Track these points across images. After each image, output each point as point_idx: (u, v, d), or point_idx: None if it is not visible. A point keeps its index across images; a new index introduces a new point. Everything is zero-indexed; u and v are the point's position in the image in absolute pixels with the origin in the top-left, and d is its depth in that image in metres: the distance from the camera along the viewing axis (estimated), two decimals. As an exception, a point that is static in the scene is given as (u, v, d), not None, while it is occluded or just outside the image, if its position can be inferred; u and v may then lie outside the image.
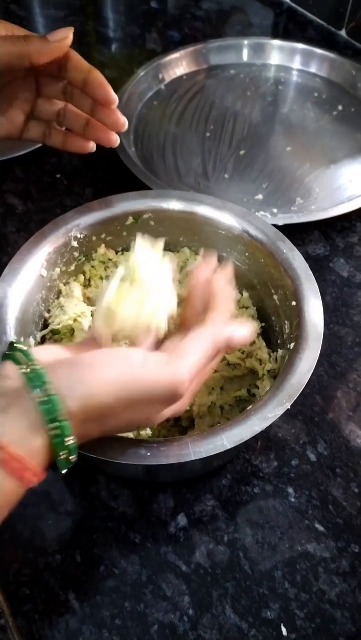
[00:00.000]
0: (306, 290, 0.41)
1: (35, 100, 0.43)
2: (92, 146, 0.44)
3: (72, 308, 0.45)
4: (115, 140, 0.43)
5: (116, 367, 0.29)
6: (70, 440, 0.28)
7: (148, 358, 0.30)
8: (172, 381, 0.29)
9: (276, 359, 0.45)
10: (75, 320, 0.45)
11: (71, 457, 0.29)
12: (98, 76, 0.40)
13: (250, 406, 0.36)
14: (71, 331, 0.45)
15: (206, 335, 0.32)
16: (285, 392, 0.36)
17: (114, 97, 0.40)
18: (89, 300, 0.49)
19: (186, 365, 0.30)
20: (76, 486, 0.44)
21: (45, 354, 0.31)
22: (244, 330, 0.34)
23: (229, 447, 0.33)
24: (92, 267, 0.50)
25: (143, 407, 0.30)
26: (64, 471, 0.29)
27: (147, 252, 0.36)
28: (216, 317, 0.34)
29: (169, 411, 0.32)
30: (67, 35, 0.38)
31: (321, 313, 0.40)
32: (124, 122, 0.42)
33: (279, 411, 0.35)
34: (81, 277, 0.49)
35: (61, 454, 0.28)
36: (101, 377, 0.28)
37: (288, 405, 0.35)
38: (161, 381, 0.29)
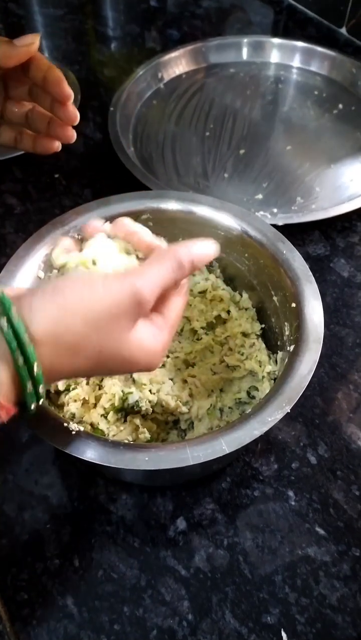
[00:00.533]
0: (306, 291, 0.41)
1: (4, 103, 0.43)
2: (57, 145, 0.44)
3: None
4: (71, 136, 0.43)
5: (79, 289, 0.29)
6: (36, 369, 0.27)
7: (109, 276, 0.30)
8: (134, 289, 0.29)
9: (276, 361, 0.45)
10: None
11: (39, 390, 0.28)
12: (56, 73, 0.40)
13: (249, 409, 0.36)
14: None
15: (165, 252, 0.31)
16: (285, 396, 0.35)
17: (70, 93, 0.41)
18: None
19: (147, 275, 0.30)
20: (75, 490, 0.43)
21: (12, 291, 0.31)
22: (207, 244, 0.33)
23: (228, 452, 0.33)
24: (91, 268, 0.49)
25: (112, 327, 0.29)
26: (32, 407, 0.28)
27: (105, 245, 0.35)
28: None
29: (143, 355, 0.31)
30: (34, 41, 0.39)
31: (322, 315, 0.40)
32: (76, 116, 0.42)
33: (279, 415, 0.34)
34: (79, 279, 0.49)
35: (28, 385, 0.27)
36: (64, 300, 0.28)
37: (287, 409, 0.35)
38: (124, 290, 0.29)
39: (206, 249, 0.33)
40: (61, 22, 0.95)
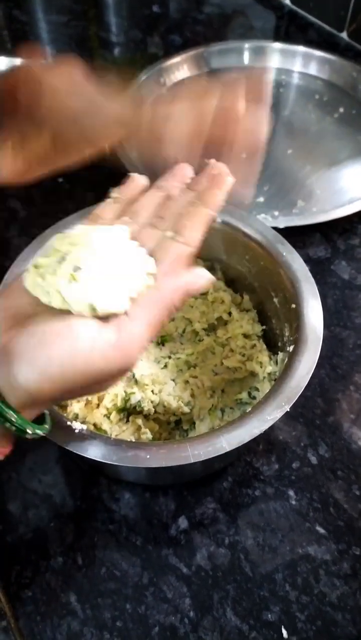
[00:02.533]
0: (305, 293, 0.41)
1: None
2: None
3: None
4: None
5: (61, 348, 0.26)
6: (12, 417, 0.27)
7: (96, 346, 0.27)
8: (123, 363, 0.28)
9: (276, 361, 0.45)
10: None
11: (26, 430, 0.28)
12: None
13: (250, 409, 0.37)
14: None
15: (155, 302, 0.29)
16: (284, 395, 0.36)
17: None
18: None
19: (136, 343, 0.28)
20: (78, 489, 0.44)
21: None
22: (199, 278, 0.30)
23: (228, 450, 0.33)
24: (94, 270, 0.50)
25: (94, 385, 0.29)
26: (29, 436, 0.29)
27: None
28: (168, 269, 0.30)
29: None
30: None
31: (321, 316, 0.40)
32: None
33: (278, 414, 0.35)
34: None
35: (9, 427, 0.27)
36: (45, 361, 0.26)
37: (287, 408, 0.35)
38: (110, 364, 0.27)
39: (199, 285, 0.31)
40: (65, 28, 0.96)
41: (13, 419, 0.26)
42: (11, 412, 0.26)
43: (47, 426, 0.31)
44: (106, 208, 0.34)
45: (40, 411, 0.30)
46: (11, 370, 0.26)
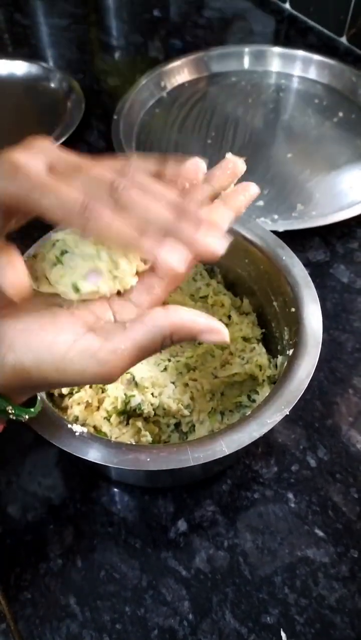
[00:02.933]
0: (305, 296, 0.42)
1: None
2: None
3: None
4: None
5: (41, 339, 0.26)
6: None
7: (74, 347, 0.26)
8: (101, 376, 0.27)
9: (276, 365, 0.45)
10: None
11: (8, 410, 0.28)
12: None
13: (250, 412, 0.37)
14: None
15: (153, 327, 0.27)
16: (284, 398, 0.36)
17: None
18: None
19: (118, 358, 0.26)
20: (77, 492, 0.44)
21: None
22: (212, 334, 0.28)
23: (228, 453, 0.34)
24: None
25: (68, 383, 0.28)
26: (12, 417, 0.29)
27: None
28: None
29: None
30: None
31: (320, 319, 0.40)
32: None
33: (278, 417, 0.35)
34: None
35: None
36: (22, 349, 0.26)
37: (286, 411, 0.35)
38: (87, 375, 0.27)
39: (213, 334, 0.28)
40: (66, 32, 0.97)
41: None
42: None
43: (32, 409, 0.31)
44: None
45: (26, 395, 0.30)
46: None
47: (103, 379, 0.27)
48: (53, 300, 0.28)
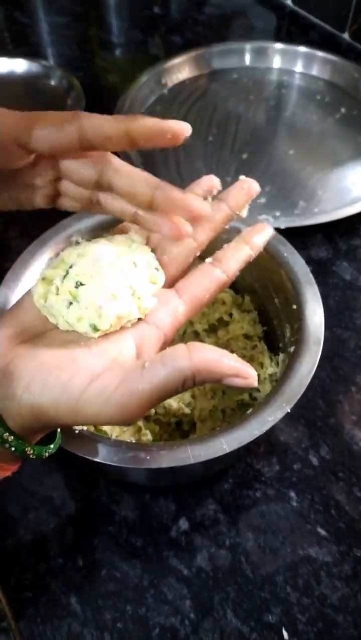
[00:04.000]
0: (307, 294, 0.41)
1: None
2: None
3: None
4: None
5: (57, 379, 0.26)
6: (9, 437, 0.26)
7: (90, 389, 0.25)
8: (117, 419, 0.26)
9: (277, 363, 0.45)
10: None
11: (27, 451, 0.28)
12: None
13: (251, 410, 0.36)
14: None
15: (178, 374, 0.25)
16: (285, 396, 0.36)
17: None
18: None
19: (135, 401, 0.25)
20: (78, 491, 0.44)
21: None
22: (240, 378, 0.26)
23: (228, 451, 0.33)
24: (94, 271, 0.50)
25: (86, 423, 0.27)
26: (32, 456, 0.28)
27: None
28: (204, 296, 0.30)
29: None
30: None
31: (322, 317, 0.40)
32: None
33: (279, 415, 0.35)
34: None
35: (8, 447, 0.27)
36: (39, 389, 0.26)
37: (287, 409, 0.35)
38: (102, 418, 0.26)
39: (240, 377, 0.26)
40: (66, 29, 0.96)
41: (10, 439, 0.26)
42: (7, 433, 0.26)
43: (52, 446, 0.30)
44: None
45: (43, 433, 0.29)
46: (10, 391, 0.26)
47: (120, 422, 0.26)
48: (70, 336, 0.28)
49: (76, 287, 0.28)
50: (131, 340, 0.28)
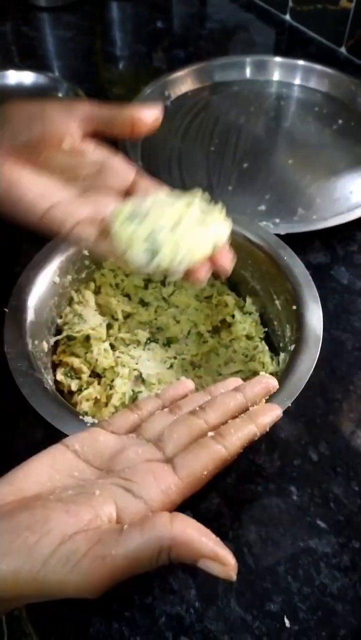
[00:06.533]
0: (306, 294, 0.43)
1: None
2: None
3: (91, 318, 0.47)
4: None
5: (14, 558, 0.24)
6: None
7: (57, 552, 0.24)
8: (83, 589, 0.24)
9: (278, 362, 0.47)
10: (93, 329, 0.47)
11: None
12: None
13: (253, 405, 0.38)
14: (86, 338, 0.47)
15: (153, 544, 0.24)
16: (286, 391, 0.37)
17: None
18: (100, 307, 0.51)
19: (105, 572, 0.24)
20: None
21: None
22: (218, 551, 0.25)
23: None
24: (102, 274, 0.52)
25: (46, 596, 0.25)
26: None
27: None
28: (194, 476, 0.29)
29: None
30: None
31: (321, 316, 0.42)
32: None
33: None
34: (92, 285, 0.52)
35: None
36: (3, 551, 0.24)
37: (288, 403, 0.37)
38: (67, 588, 0.24)
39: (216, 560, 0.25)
40: (72, 43, 0.99)
41: None
42: None
43: None
44: (150, 401, 0.34)
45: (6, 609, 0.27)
46: None
47: (86, 592, 0.24)
48: (56, 495, 0.27)
49: (145, 221, 0.33)
50: (112, 505, 0.27)
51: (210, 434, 0.31)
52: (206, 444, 0.30)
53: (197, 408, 0.32)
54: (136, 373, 0.47)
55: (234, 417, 0.32)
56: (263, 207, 0.67)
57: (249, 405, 0.33)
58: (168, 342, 0.51)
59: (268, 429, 0.33)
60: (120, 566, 0.24)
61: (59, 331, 0.48)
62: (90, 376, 0.47)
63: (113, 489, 0.27)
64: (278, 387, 0.34)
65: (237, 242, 0.49)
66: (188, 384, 0.35)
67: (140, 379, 0.47)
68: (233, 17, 1.05)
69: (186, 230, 0.34)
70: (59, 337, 0.48)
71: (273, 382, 0.33)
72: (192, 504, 0.44)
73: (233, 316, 0.51)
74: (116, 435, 0.31)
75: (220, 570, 0.25)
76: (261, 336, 0.50)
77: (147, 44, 0.99)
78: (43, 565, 0.24)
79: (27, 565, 0.24)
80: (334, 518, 0.44)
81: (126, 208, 0.35)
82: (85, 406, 0.45)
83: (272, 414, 0.33)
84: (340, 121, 0.80)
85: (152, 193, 0.37)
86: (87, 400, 0.46)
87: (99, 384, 0.47)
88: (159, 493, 0.28)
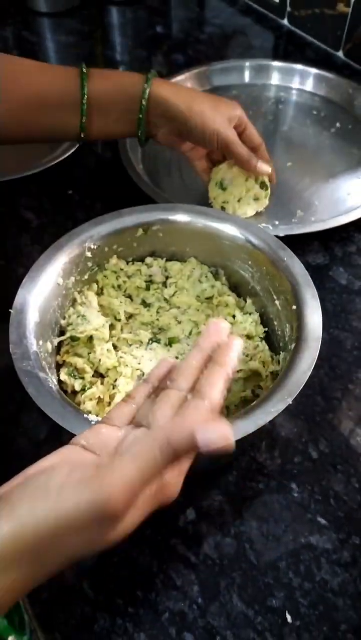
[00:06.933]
0: (305, 294, 0.44)
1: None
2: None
3: (94, 319, 0.48)
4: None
5: (28, 502, 0.26)
6: None
7: (69, 478, 0.27)
8: (97, 503, 0.26)
9: (278, 361, 0.47)
10: (96, 330, 0.48)
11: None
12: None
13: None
14: (89, 339, 0.48)
15: (151, 442, 0.28)
16: (286, 389, 0.38)
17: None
18: (103, 308, 0.52)
19: (118, 480, 0.26)
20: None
21: None
22: (218, 439, 0.28)
23: (234, 440, 0.36)
24: (105, 276, 0.53)
25: (73, 538, 0.27)
26: None
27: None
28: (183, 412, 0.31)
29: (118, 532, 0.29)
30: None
31: (320, 315, 0.43)
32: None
33: (281, 406, 0.37)
34: (94, 286, 0.52)
35: None
36: (15, 519, 0.25)
37: (289, 401, 0.37)
38: (82, 506, 0.26)
39: (217, 440, 0.28)
40: (72, 48, 1.00)
41: None
42: None
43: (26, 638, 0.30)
44: (140, 388, 0.36)
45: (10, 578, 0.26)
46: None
47: (103, 508, 0.26)
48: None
49: (225, 192, 0.63)
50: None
51: (188, 396, 0.32)
52: (187, 405, 0.31)
53: (168, 382, 0.34)
54: (138, 372, 0.48)
55: (203, 370, 0.33)
56: (262, 210, 0.68)
57: (210, 353, 0.34)
58: (170, 342, 0.51)
59: (236, 362, 0.34)
60: (129, 469, 0.27)
61: (62, 332, 0.49)
62: (93, 376, 0.48)
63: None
64: (228, 326, 0.34)
65: (237, 243, 0.50)
66: (169, 361, 0.36)
67: (143, 378, 0.47)
68: (232, 21, 1.07)
69: (244, 203, 0.63)
70: (62, 337, 0.48)
71: (221, 323, 0.34)
72: (194, 501, 0.45)
73: (234, 316, 0.52)
74: (117, 427, 0.33)
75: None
76: (262, 336, 0.51)
77: (147, 49, 1.00)
78: (57, 496, 0.26)
79: (43, 503, 0.26)
80: (334, 514, 0.44)
81: (219, 174, 0.63)
82: (88, 405, 0.46)
83: (234, 349, 0.34)
84: (338, 124, 0.81)
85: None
86: (91, 399, 0.46)
87: (102, 383, 0.47)
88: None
